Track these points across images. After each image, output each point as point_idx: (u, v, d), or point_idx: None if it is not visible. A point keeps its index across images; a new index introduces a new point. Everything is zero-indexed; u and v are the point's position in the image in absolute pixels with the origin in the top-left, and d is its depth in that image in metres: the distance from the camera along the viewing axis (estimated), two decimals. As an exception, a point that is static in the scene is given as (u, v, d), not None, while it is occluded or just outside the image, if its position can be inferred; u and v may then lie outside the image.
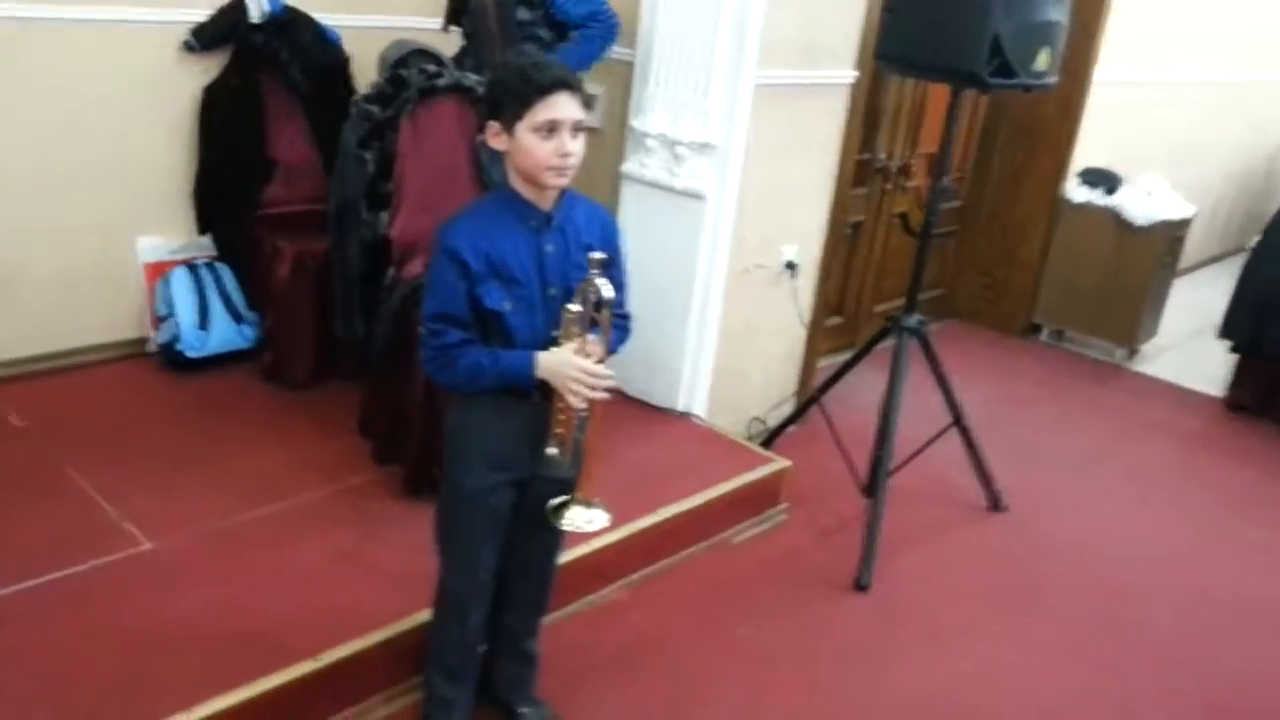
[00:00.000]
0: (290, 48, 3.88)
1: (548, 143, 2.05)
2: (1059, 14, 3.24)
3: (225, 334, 3.84)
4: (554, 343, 2.13)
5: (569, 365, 2.08)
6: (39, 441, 3.25)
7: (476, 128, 3.30)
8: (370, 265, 3.35)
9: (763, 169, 3.76)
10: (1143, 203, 5.47)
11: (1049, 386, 5.32)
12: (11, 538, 2.78)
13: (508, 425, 2.22)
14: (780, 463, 3.71)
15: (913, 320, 3.65)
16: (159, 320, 3.84)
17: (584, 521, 2.19)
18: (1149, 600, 3.53)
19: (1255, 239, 5.23)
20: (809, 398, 4.13)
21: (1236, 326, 5.06)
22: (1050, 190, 5.73)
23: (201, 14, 3.76)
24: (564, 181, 2.12)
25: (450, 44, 3.89)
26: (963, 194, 5.87)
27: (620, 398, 3.74)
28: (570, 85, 2.07)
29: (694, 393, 3.93)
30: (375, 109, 3.29)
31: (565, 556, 2.71)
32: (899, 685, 2.98)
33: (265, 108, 3.94)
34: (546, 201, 2.15)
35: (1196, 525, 4.09)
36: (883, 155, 4.96)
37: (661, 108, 3.69)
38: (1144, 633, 3.35)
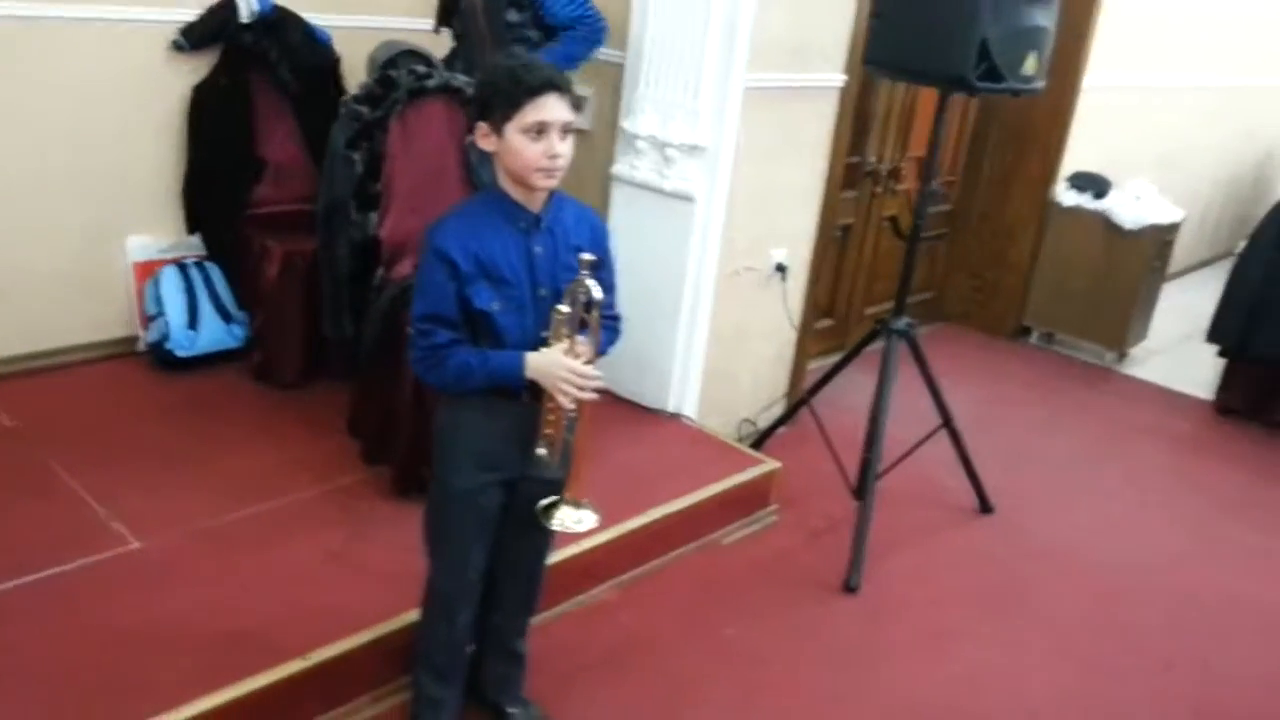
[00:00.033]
0: (280, 48, 3.87)
1: (536, 144, 2.06)
2: (1046, 19, 3.25)
3: (214, 333, 3.84)
4: (543, 343, 2.14)
5: (558, 366, 2.09)
6: (28, 440, 3.25)
7: (466, 129, 3.31)
8: (359, 265, 3.35)
9: (752, 171, 3.76)
10: (1131, 207, 5.49)
11: (1039, 389, 5.34)
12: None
13: (497, 425, 2.23)
14: (770, 464, 3.72)
15: (901, 323, 3.65)
16: (148, 319, 3.84)
17: (573, 522, 2.20)
18: (1139, 603, 3.54)
19: (1243, 244, 5.25)
20: (799, 399, 4.14)
21: (1224, 330, 5.08)
22: (1040, 194, 5.75)
23: (190, 13, 3.75)
24: (553, 183, 2.13)
25: (441, 45, 3.89)
26: (953, 197, 5.89)
27: (610, 399, 3.77)
28: (559, 87, 2.08)
29: (684, 394, 3.93)
30: (364, 109, 3.29)
31: (555, 557, 2.71)
32: (888, 687, 2.98)
33: (255, 107, 3.93)
34: (535, 203, 2.16)
35: (1187, 528, 4.11)
36: (873, 158, 4.97)
37: (651, 109, 3.70)
38: (1134, 635, 3.36)
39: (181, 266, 3.89)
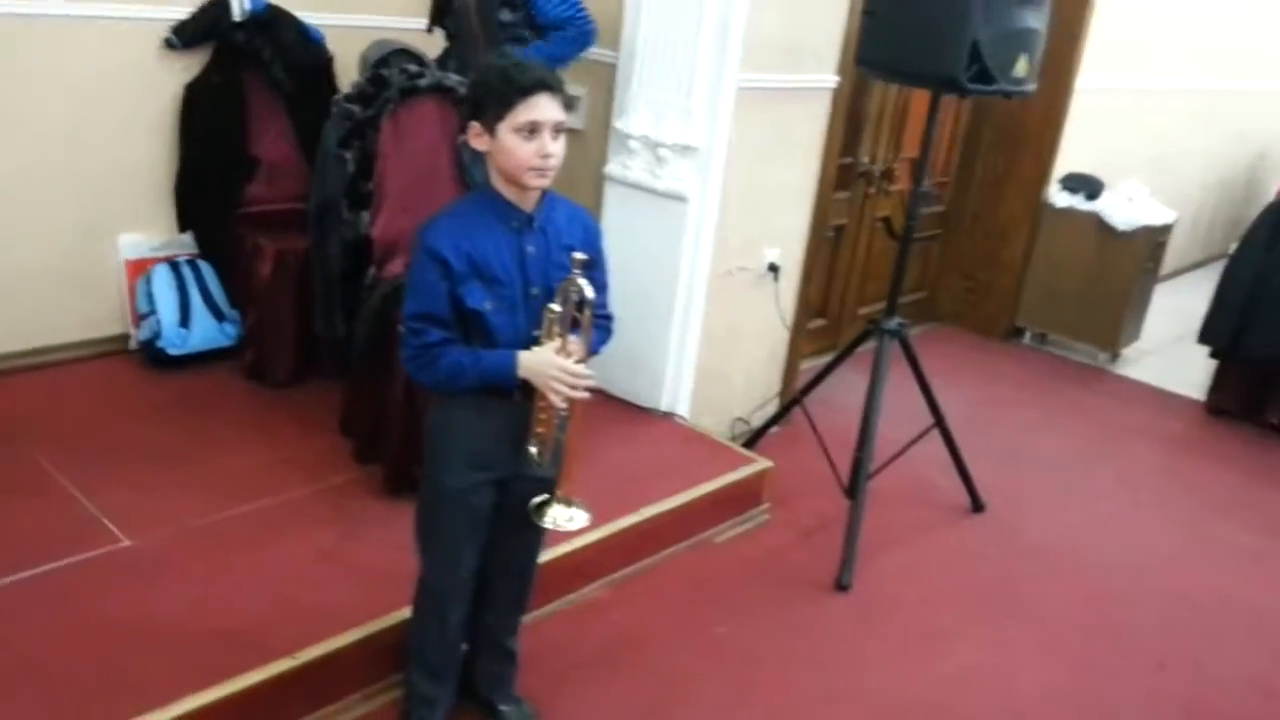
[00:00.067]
0: (272, 46, 3.87)
1: (529, 143, 2.06)
2: (1037, 21, 3.26)
3: (206, 332, 3.84)
4: (535, 342, 2.14)
5: (550, 365, 2.09)
6: (19, 438, 3.24)
7: (458, 128, 3.31)
8: (351, 264, 3.35)
9: (745, 171, 3.77)
10: (1124, 208, 5.51)
11: (1031, 389, 5.35)
12: (-10, 534, 2.77)
13: (489, 424, 2.23)
14: (762, 463, 3.72)
15: (893, 323, 3.66)
16: (140, 317, 3.83)
17: (565, 520, 2.20)
18: (1130, 603, 3.55)
19: (1235, 245, 5.27)
20: (791, 399, 4.15)
21: (1216, 331, 5.10)
22: (1033, 195, 5.76)
23: (182, 11, 3.75)
24: (545, 182, 2.13)
25: (434, 45, 3.89)
26: (946, 198, 5.90)
27: (603, 398, 3.78)
28: (552, 86, 2.08)
29: (677, 393, 3.94)
30: (356, 108, 3.29)
31: (546, 555, 2.72)
32: (879, 686, 2.99)
33: (247, 106, 3.93)
34: (528, 202, 2.16)
35: (1179, 528, 4.12)
36: (866, 159, 4.98)
37: (644, 109, 3.70)
38: (1125, 635, 3.37)
39: (174, 264, 3.88)
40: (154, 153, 3.83)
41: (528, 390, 2.14)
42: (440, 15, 3.88)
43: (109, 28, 3.62)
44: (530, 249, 2.16)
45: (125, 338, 3.90)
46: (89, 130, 3.66)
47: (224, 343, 3.89)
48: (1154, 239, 5.58)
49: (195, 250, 3.99)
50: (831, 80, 3.96)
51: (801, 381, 4.20)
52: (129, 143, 3.76)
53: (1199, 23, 6.56)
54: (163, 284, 3.82)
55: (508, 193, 2.15)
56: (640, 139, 3.72)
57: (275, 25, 3.88)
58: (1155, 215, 5.54)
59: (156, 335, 3.75)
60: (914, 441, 3.81)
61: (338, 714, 2.56)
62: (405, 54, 3.50)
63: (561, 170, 2.14)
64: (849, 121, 4.35)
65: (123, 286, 3.87)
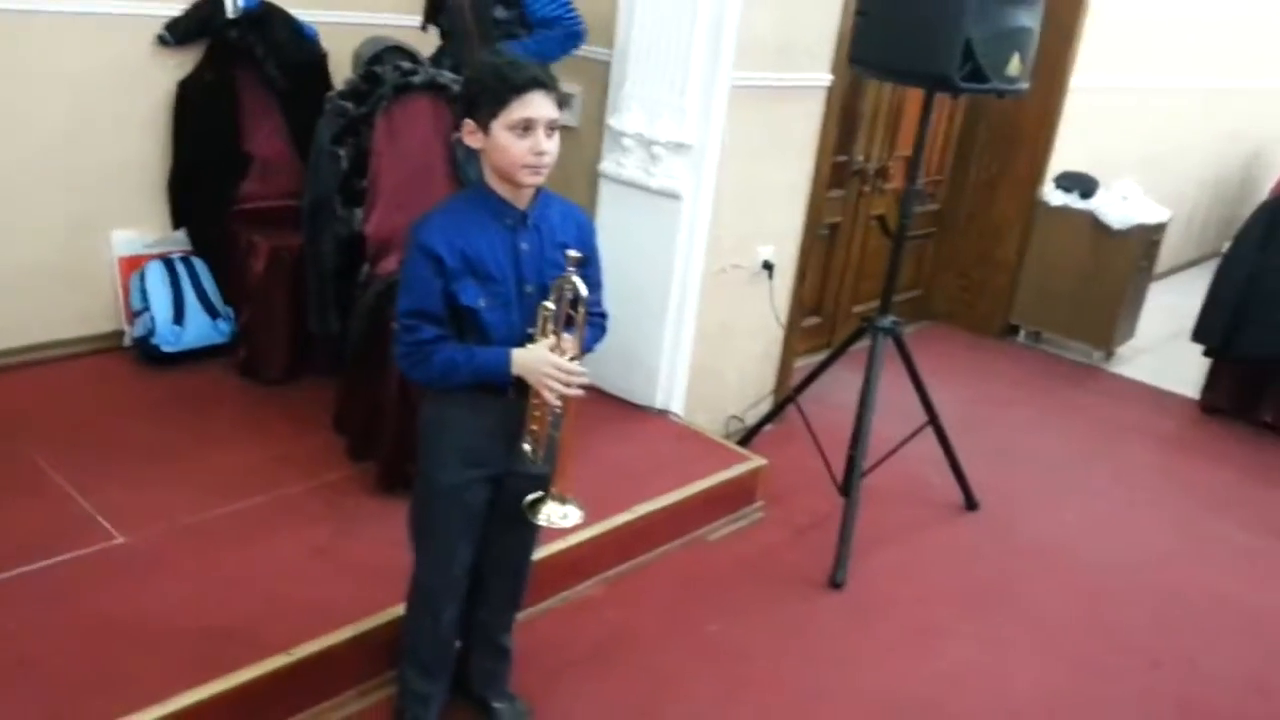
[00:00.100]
0: (266, 43, 3.86)
1: (523, 141, 2.06)
2: (1030, 20, 3.26)
3: (200, 329, 3.83)
4: (529, 340, 2.14)
5: (544, 362, 2.09)
6: (12, 435, 3.23)
7: (452, 125, 3.31)
8: (345, 261, 3.35)
9: (739, 169, 3.77)
10: (1118, 207, 5.52)
11: (1026, 388, 5.35)
12: (-17, 531, 2.77)
13: (482, 421, 2.23)
14: (757, 461, 3.73)
15: (887, 321, 3.67)
16: (134, 314, 3.83)
17: (558, 517, 2.20)
18: (1125, 601, 3.56)
19: (1229, 244, 5.28)
20: (786, 397, 4.15)
21: (1209, 330, 5.11)
22: (1028, 193, 5.77)
23: (175, 8, 3.74)
24: (539, 180, 2.13)
25: (428, 43, 3.89)
26: (941, 197, 5.91)
27: (598, 395, 3.78)
28: (545, 84, 2.09)
29: (671, 391, 3.94)
30: (349, 105, 3.29)
31: (541, 552, 2.72)
32: (872, 684, 2.99)
33: (241, 103, 3.93)
34: (522, 200, 2.16)
35: (1173, 526, 4.12)
36: (860, 157, 4.99)
37: (638, 107, 3.70)
38: (1120, 634, 3.37)
39: (167, 261, 3.88)
40: (147, 149, 3.83)
41: (522, 387, 2.14)
42: (435, 12, 3.88)
43: (102, 24, 3.61)
44: (524, 246, 2.16)
45: (119, 335, 3.90)
46: (82, 127, 3.66)
47: (218, 340, 3.89)
48: (1148, 237, 5.59)
49: (189, 247, 4.00)
50: (825, 79, 3.96)
51: (796, 379, 4.20)
52: (122, 139, 3.76)
53: (1194, 22, 6.57)
54: (156, 281, 3.81)
55: (502, 190, 2.15)
56: (634, 137, 3.72)
57: (269, 22, 3.87)
58: (1149, 214, 5.55)
59: (150, 332, 3.74)
60: (908, 439, 3.81)
61: (332, 710, 2.56)
62: (399, 51, 3.50)
63: (556, 167, 2.14)
64: (844, 120, 4.35)
65: (117, 283, 3.87)
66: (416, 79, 3.37)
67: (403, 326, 2.14)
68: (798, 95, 3.92)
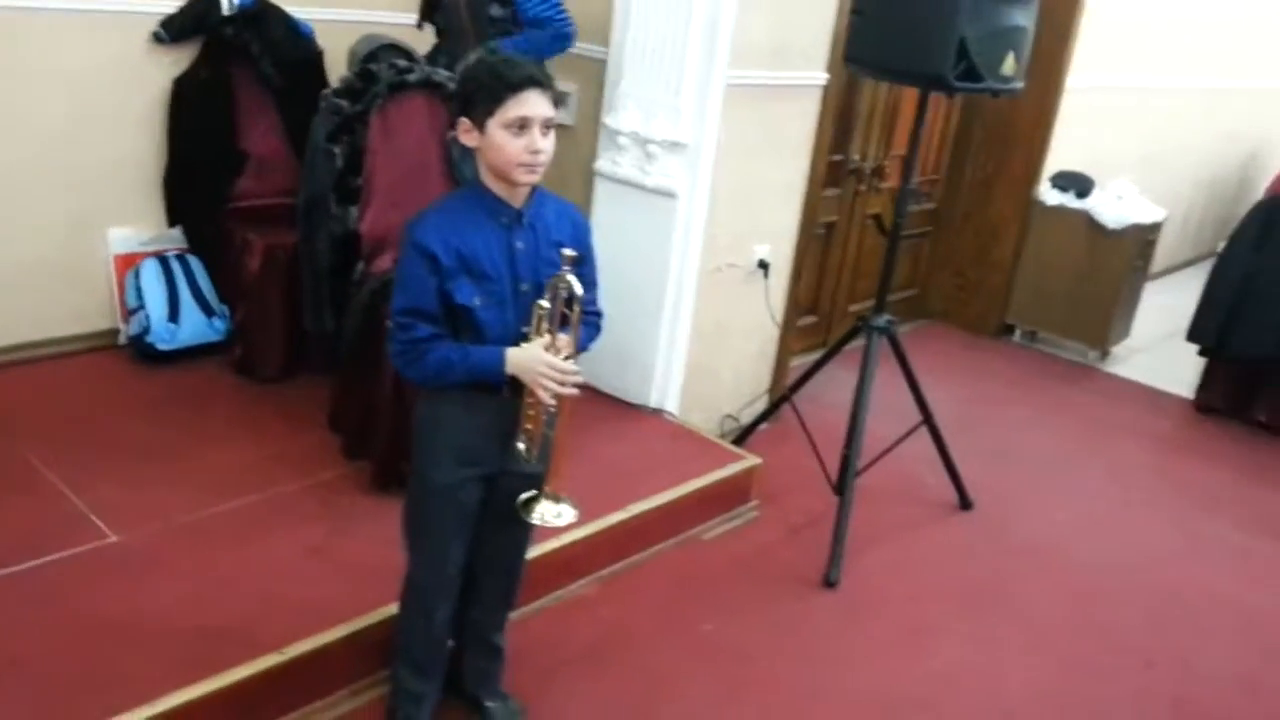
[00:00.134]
0: (261, 41, 3.86)
1: (518, 139, 2.06)
2: (1025, 19, 3.26)
3: (195, 327, 3.83)
4: (524, 338, 2.14)
5: (538, 361, 2.09)
6: (6, 433, 3.22)
7: (447, 124, 3.30)
8: (340, 260, 3.35)
9: (735, 168, 3.77)
10: (1114, 207, 5.52)
11: (1021, 387, 5.36)
12: (-24, 530, 2.76)
13: (477, 420, 2.23)
14: (751, 460, 3.73)
15: (882, 320, 3.67)
16: (129, 312, 3.83)
17: (553, 516, 2.20)
18: (1119, 601, 3.56)
19: (1224, 244, 5.28)
20: (781, 396, 4.15)
21: (1204, 329, 5.11)
22: (1023, 193, 5.77)
23: (171, 5, 3.74)
24: (535, 178, 2.13)
25: (423, 41, 3.89)
26: (937, 196, 5.91)
27: (592, 394, 3.78)
28: (541, 83, 2.09)
29: (666, 390, 3.94)
30: (344, 103, 3.29)
31: (534, 551, 2.72)
32: (866, 683, 2.99)
33: (236, 100, 3.92)
34: (518, 198, 2.16)
35: (1168, 526, 4.13)
36: (856, 156, 4.99)
37: (633, 105, 3.70)
38: (1114, 633, 3.37)
39: (163, 259, 3.88)
40: (143, 147, 3.82)
41: (516, 386, 2.14)
42: (430, 11, 3.88)
43: (97, 22, 3.60)
44: (519, 245, 2.16)
45: (114, 332, 3.89)
46: (78, 124, 3.65)
47: (213, 338, 3.88)
48: (1144, 237, 5.59)
49: (184, 245, 3.99)
50: (821, 78, 3.96)
51: (791, 378, 4.20)
52: (118, 137, 3.75)
53: (1190, 22, 6.58)
54: (152, 279, 3.81)
55: (497, 189, 2.15)
56: (630, 135, 3.72)
57: (264, 19, 3.87)
58: (1145, 213, 5.56)
59: (145, 330, 3.74)
60: (902, 439, 3.82)
61: (325, 709, 2.55)
62: (394, 49, 3.50)
63: (551, 166, 2.14)
64: (839, 119, 4.36)
65: (112, 281, 3.86)
66: (412, 77, 3.36)
67: (397, 325, 2.14)
68: (793, 94, 3.92)
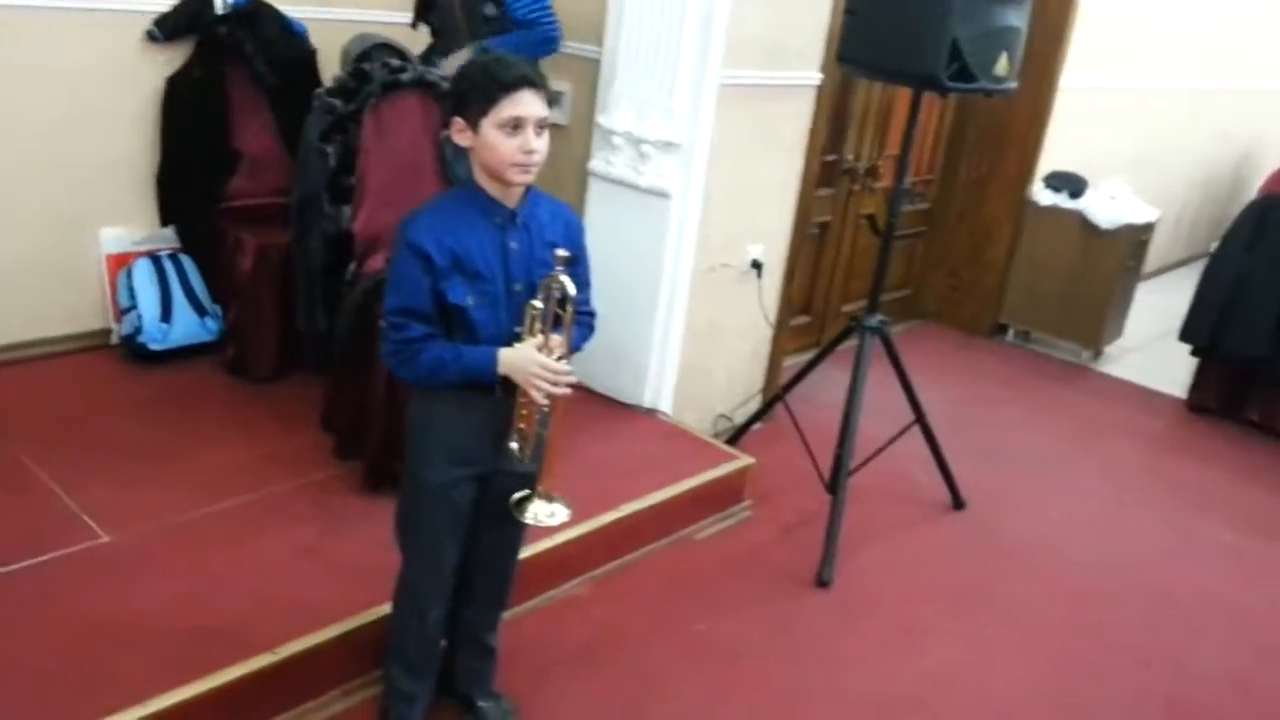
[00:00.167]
0: (255, 40, 3.85)
1: (512, 139, 2.06)
2: (1018, 19, 3.26)
3: (188, 327, 3.82)
4: (517, 338, 2.14)
5: (531, 362, 2.09)
6: (-2, 432, 3.23)
7: (440, 123, 3.30)
8: (333, 259, 3.34)
9: (728, 168, 3.77)
10: (1107, 206, 5.53)
11: (1015, 386, 5.36)
12: (-33, 530, 2.76)
13: (470, 420, 2.23)
14: (744, 460, 3.73)
15: (875, 320, 3.67)
16: (122, 312, 3.82)
17: (545, 516, 2.20)
18: (1112, 600, 3.57)
19: (1216, 244, 5.30)
20: (774, 395, 4.15)
21: (1197, 329, 5.12)
22: (1017, 193, 5.78)
23: (165, 4, 3.73)
24: (529, 178, 2.13)
25: (418, 41, 3.88)
26: (931, 196, 5.91)
27: (586, 394, 3.78)
28: (535, 82, 2.09)
29: (660, 389, 3.94)
30: (337, 102, 3.28)
31: (527, 551, 2.72)
32: (858, 682, 2.99)
33: (230, 99, 3.91)
34: (511, 198, 2.16)
35: (1161, 526, 4.13)
36: (850, 156, 4.99)
37: (627, 105, 3.70)
38: (1106, 632, 3.38)
39: (155, 259, 3.87)
40: (135, 146, 3.81)
41: (509, 386, 2.14)
42: (425, 10, 3.88)
43: (91, 20, 3.60)
44: (513, 245, 2.16)
45: (106, 332, 3.88)
46: (70, 123, 3.64)
47: (205, 338, 3.87)
48: (1136, 237, 5.60)
49: (177, 244, 3.98)
50: (815, 77, 3.97)
51: (784, 378, 4.20)
52: (110, 136, 3.74)
53: (1184, 22, 6.59)
54: (144, 278, 3.80)
55: (491, 188, 2.15)
56: (623, 135, 3.72)
57: (258, 18, 3.86)
58: (1138, 214, 5.57)
59: (138, 330, 3.73)
60: (895, 438, 3.82)
61: (317, 710, 2.55)
62: (387, 48, 3.50)
63: (545, 165, 2.15)
64: (833, 119, 4.36)
65: (104, 281, 3.85)
66: (405, 76, 3.36)
67: (390, 325, 2.14)
68: (787, 94, 3.92)
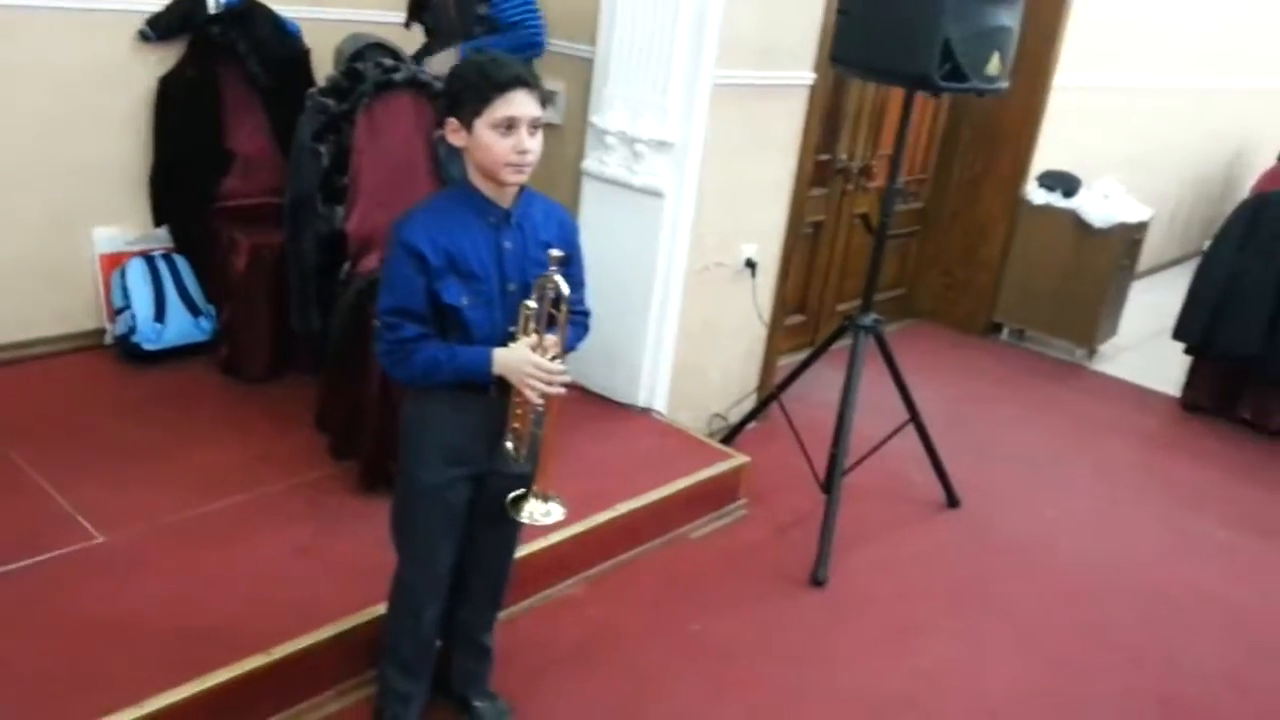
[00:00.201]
0: (248, 40, 3.84)
1: (506, 139, 2.06)
2: (1010, 19, 3.26)
3: (182, 326, 3.82)
4: (512, 338, 2.14)
5: (525, 362, 2.09)
6: (-9, 433, 3.22)
7: (434, 123, 3.30)
8: (326, 259, 3.34)
9: (721, 167, 3.77)
10: (1100, 205, 5.54)
11: (1009, 385, 5.37)
12: (-39, 531, 2.75)
13: (464, 420, 2.22)
14: (739, 459, 3.73)
15: (868, 319, 3.67)
16: (115, 312, 3.81)
17: (541, 515, 2.20)
18: (1106, 598, 3.57)
19: (1209, 242, 5.31)
20: (768, 395, 4.15)
21: (1190, 328, 5.14)
22: (1011, 192, 5.79)
23: (157, 3, 3.72)
24: (522, 178, 2.13)
25: (412, 40, 3.88)
26: (925, 195, 5.92)
27: (580, 393, 3.79)
28: (528, 83, 2.08)
29: (654, 389, 3.94)
30: (330, 102, 3.28)
31: (522, 551, 2.72)
32: (853, 681, 3.00)
33: (223, 99, 3.91)
34: (505, 198, 2.16)
35: (1155, 524, 4.14)
36: (844, 156, 4.99)
37: (621, 105, 3.70)
38: (1100, 631, 3.38)
39: (148, 259, 3.86)
40: (129, 146, 3.81)
41: (504, 386, 2.14)
42: (418, 10, 3.87)
43: (83, 20, 3.59)
44: (507, 245, 2.16)
45: (100, 332, 3.88)
46: (63, 123, 3.63)
47: (199, 338, 3.87)
48: (1130, 236, 5.61)
49: (170, 244, 3.98)
50: (808, 77, 3.97)
51: (779, 377, 4.21)
52: (104, 136, 3.74)
53: (1177, 22, 6.60)
54: (138, 278, 3.79)
55: (485, 189, 2.14)
56: (617, 135, 3.72)
57: (251, 18, 3.85)
58: (1131, 212, 5.58)
59: (131, 330, 3.73)
60: (889, 437, 3.83)
61: (311, 710, 2.55)
62: (380, 48, 3.49)
63: (539, 165, 2.14)
64: (827, 118, 4.36)
65: (98, 280, 3.85)
66: (398, 76, 3.36)
67: (384, 324, 2.13)
68: (780, 94, 3.92)
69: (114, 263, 3.84)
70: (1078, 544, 3.88)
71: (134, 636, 2.46)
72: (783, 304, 4.37)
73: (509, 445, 2.19)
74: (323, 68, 3.89)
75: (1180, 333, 5.18)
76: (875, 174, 5.18)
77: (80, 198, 3.74)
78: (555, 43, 3.99)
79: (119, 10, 3.65)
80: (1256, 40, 7.65)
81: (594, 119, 3.81)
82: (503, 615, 2.65)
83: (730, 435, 4.12)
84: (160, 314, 3.77)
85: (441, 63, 3.58)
